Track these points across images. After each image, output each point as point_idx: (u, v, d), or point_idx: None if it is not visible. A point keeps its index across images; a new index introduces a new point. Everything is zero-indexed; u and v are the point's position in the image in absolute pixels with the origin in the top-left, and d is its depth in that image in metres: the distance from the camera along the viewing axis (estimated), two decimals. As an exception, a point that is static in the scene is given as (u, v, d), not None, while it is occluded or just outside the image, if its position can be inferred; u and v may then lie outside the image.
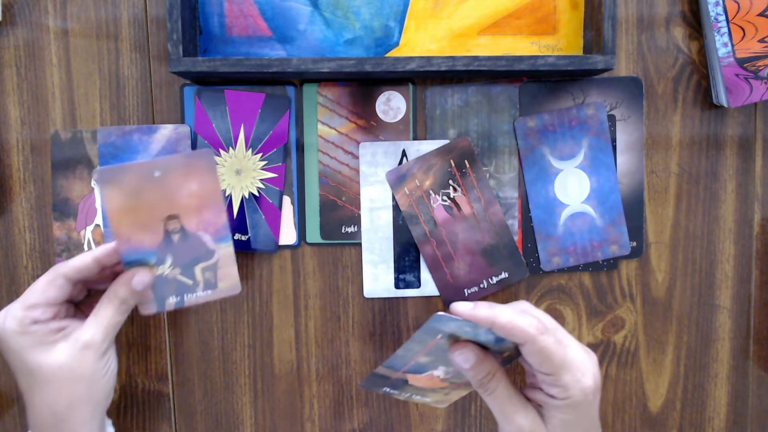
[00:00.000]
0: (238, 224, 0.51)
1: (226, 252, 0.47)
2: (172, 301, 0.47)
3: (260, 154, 0.50)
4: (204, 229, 0.46)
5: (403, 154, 0.51)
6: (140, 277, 0.44)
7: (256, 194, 0.50)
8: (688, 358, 0.54)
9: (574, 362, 0.40)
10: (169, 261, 0.45)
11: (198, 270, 0.47)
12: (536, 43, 0.50)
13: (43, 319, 0.42)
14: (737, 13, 0.48)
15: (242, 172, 0.50)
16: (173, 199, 0.45)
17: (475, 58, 0.45)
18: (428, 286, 0.52)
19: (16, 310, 0.42)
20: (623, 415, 0.54)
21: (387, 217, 0.51)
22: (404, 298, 0.52)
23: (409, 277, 0.52)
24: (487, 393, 0.42)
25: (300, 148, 0.51)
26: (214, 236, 0.46)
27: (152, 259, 0.45)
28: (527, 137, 0.51)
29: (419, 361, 0.44)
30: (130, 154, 0.50)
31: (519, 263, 0.52)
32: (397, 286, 0.52)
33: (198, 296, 0.47)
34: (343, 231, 0.51)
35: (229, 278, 0.47)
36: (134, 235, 0.44)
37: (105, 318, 0.44)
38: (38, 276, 0.51)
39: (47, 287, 0.43)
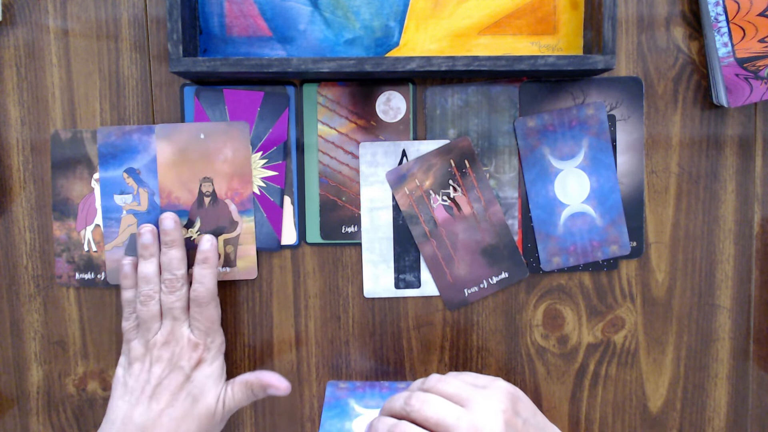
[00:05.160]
0: (238, 224, 0.51)
1: (247, 227, 0.50)
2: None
3: (260, 153, 0.50)
4: (231, 197, 0.49)
5: (403, 154, 0.51)
6: (278, 391, 0.48)
7: (258, 193, 0.50)
8: (688, 358, 0.54)
9: None
10: (197, 225, 0.49)
11: (221, 241, 0.50)
12: (536, 43, 0.50)
13: None
14: (737, 13, 0.48)
15: (242, 172, 0.51)
16: (210, 162, 0.49)
17: (475, 58, 0.45)
18: (428, 286, 0.52)
19: None
20: (623, 415, 0.54)
21: (387, 217, 0.51)
22: (404, 298, 0.52)
23: (409, 277, 0.52)
24: None
25: (300, 148, 0.51)
26: (239, 207, 0.49)
27: (184, 218, 0.49)
28: (527, 137, 0.51)
29: None
30: (130, 154, 0.50)
31: (519, 263, 0.52)
32: (397, 286, 0.52)
33: (218, 271, 0.50)
34: (343, 231, 0.51)
35: (247, 258, 0.50)
36: (175, 191, 0.49)
37: (234, 403, 0.48)
38: (38, 276, 0.51)
39: None
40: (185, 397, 0.46)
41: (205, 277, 0.47)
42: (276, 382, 0.48)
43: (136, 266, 0.48)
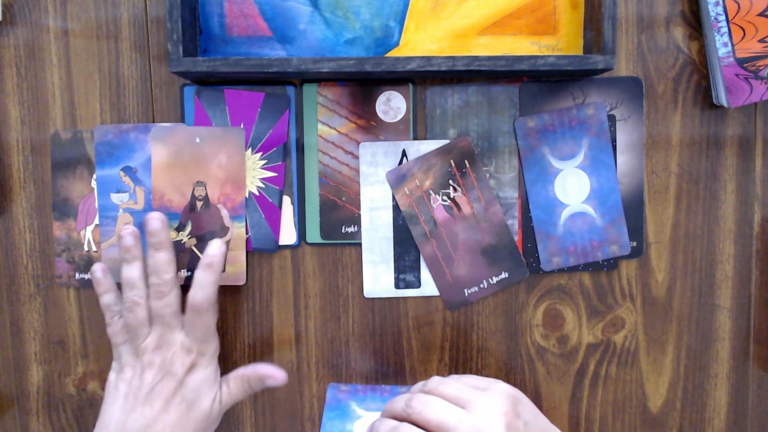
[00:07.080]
0: (238, 224, 0.51)
1: (238, 233, 0.50)
2: (183, 275, 0.50)
3: (260, 153, 0.50)
4: (223, 203, 0.49)
5: (403, 154, 0.51)
6: (276, 381, 0.48)
7: (256, 193, 0.50)
8: (688, 358, 0.54)
9: None
10: (188, 228, 0.49)
11: None
12: (536, 43, 0.50)
13: None
14: (737, 13, 0.48)
15: (242, 172, 0.51)
16: (205, 166, 0.49)
17: (475, 58, 0.45)
18: (428, 286, 0.52)
19: None
20: (623, 415, 0.54)
21: (387, 217, 0.51)
22: (404, 298, 0.52)
23: (409, 277, 0.52)
24: None
25: (300, 148, 0.51)
26: (231, 212, 0.49)
27: (176, 222, 0.49)
28: (527, 137, 0.51)
29: None
30: (127, 152, 0.50)
31: (519, 263, 0.52)
32: (397, 286, 0.52)
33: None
34: (343, 231, 0.51)
35: (237, 264, 0.50)
36: (167, 193, 0.48)
37: (231, 400, 0.48)
38: (38, 276, 0.51)
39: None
40: (179, 403, 0.45)
41: (207, 282, 0.45)
42: (273, 373, 0.48)
43: (106, 271, 0.47)
